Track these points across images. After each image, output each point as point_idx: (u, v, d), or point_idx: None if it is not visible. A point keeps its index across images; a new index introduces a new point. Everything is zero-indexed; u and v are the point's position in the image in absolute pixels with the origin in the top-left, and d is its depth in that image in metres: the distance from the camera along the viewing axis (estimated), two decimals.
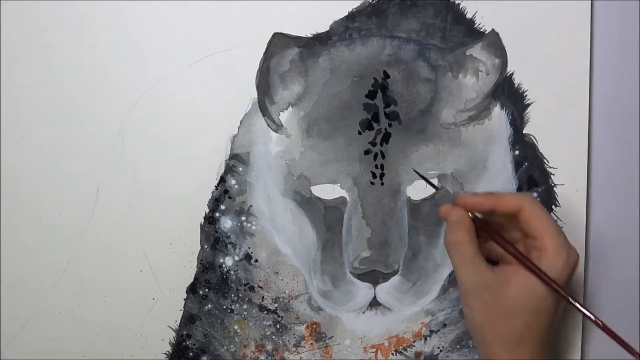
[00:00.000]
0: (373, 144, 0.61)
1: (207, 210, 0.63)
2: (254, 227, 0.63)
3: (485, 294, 0.52)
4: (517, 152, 0.63)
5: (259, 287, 0.64)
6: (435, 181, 0.62)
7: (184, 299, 0.64)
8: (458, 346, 0.65)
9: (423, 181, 0.62)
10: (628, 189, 0.65)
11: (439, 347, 0.65)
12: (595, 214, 0.65)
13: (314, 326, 0.64)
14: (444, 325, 0.65)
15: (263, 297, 0.64)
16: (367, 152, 0.61)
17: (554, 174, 0.64)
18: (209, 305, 0.64)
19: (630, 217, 0.66)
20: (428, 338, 0.65)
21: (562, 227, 0.63)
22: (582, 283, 0.64)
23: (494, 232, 0.54)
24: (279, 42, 0.61)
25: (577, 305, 0.51)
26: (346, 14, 0.62)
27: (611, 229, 0.65)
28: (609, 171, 0.64)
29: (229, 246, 0.64)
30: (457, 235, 0.53)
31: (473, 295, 0.53)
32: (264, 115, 0.62)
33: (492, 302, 0.52)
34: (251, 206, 0.63)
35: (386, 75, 0.61)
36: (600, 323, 0.51)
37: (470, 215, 0.54)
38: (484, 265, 0.52)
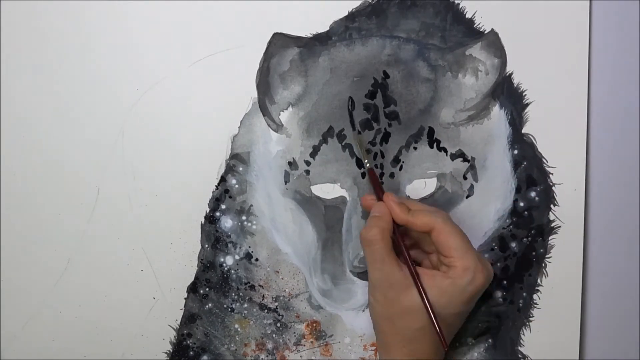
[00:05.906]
0: (373, 143, 0.61)
1: (208, 210, 0.63)
2: (254, 227, 0.64)
3: (389, 290, 0.55)
4: (516, 152, 0.64)
5: (260, 286, 0.64)
6: (434, 180, 0.62)
7: (185, 298, 0.64)
8: (457, 344, 0.65)
9: (422, 181, 0.62)
10: (626, 188, 0.65)
11: None
12: (594, 213, 0.65)
13: (314, 324, 0.65)
14: None
15: (263, 296, 0.64)
16: (367, 151, 0.61)
17: (552, 174, 0.64)
18: (210, 304, 0.64)
19: (629, 215, 0.66)
20: None
21: (560, 227, 0.64)
22: (581, 282, 0.65)
23: (403, 243, 0.57)
24: (279, 42, 0.61)
25: (438, 331, 0.54)
26: (346, 14, 0.62)
27: (609, 228, 0.65)
28: (607, 170, 0.65)
29: (230, 245, 0.64)
30: (372, 232, 0.55)
31: (378, 289, 0.56)
32: (264, 115, 0.62)
33: (393, 300, 0.55)
34: (251, 205, 0.63)
35: (386, 75, 0.61)
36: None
37: None
38: (392, 264, 0.55)
